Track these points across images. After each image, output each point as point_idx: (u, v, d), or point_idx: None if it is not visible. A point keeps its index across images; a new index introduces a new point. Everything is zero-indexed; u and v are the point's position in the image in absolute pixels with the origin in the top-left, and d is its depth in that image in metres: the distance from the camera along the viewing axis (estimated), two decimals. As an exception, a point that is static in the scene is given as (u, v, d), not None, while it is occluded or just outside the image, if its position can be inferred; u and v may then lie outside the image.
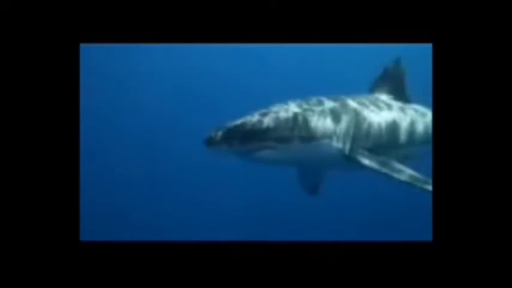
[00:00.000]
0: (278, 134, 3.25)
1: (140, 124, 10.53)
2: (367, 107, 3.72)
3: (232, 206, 8.48)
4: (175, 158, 9.67)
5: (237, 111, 3.37)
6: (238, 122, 3.27)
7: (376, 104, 3.83)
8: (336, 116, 3.46)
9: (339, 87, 4.16)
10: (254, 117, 3.29)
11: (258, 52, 10.16)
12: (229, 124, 3.25)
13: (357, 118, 3.56)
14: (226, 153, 3.25)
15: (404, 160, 3.53)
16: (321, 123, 3.38)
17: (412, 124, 3.88)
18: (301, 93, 3.67)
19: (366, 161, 3.41)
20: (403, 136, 3.79)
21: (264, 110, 3.38)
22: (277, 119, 3.29)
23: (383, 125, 3.69)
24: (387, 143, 3.67)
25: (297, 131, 3.29)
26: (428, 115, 4.05)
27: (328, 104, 3.55)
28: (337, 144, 3.40)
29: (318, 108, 3.45)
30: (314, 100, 3.56)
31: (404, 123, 3.83)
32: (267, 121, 3.27)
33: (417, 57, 4.81)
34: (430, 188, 2.97)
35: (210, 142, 3.21)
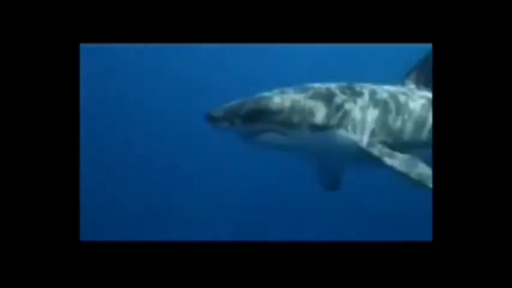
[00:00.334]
0: (286, 118, 2.97)
1: (140, 124, 10.54)
2: (394, 97, 3.33)
3: (235, 204, 8.46)
4: (175, 158, 9.68)
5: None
6: (246, 99, 3.01)
7: (407, 96, 3.41)
8: (356, 105, 3.14)
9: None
10: (264, 96, 3.03)
11: (256, 51, 10.14)
12: (236, 101, 3.01)
13: (381, 109, 3.21)
14: (227, 131, 3.00)
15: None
16: (337, 111, 3.07)
17: None
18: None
19: (387, 159, 3.05)
20: (430, 133, 3.29)
21: (278, 89, 3.11)
22: (287, 100, 3.00)
23: (410, 119, 3.29)
24: (413, 140, 3.27)
25: (309, 117, 3.00)
26: None
27: (348, 90, 3.21)
28: (353, 136, 3.09)
29: (334, 94, 3.13)
30: (334, 85, 3.24)
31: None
32: (276, 102, 2.99)
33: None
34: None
35: (210, 118, 2.97)
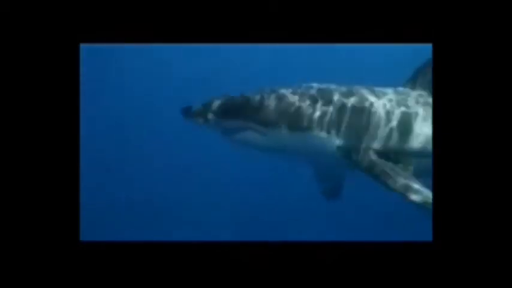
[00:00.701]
0: (263, 116, 2.87)
1: (140, 124, 10.53)
2: (386, 101, 3.12)
3: (236, 206, 8.46)
4: (175, 158, 9.67)
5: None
6: (226, 96, 2.96)
7: (402, 99, 3.19)
8: (340, 107, 2.98)
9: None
10: (243, 94, 2.96)
11: (257, 50, 10.14)
12: (216, 97, 2.96)
13: (368, 113, 3.03)
14: (203, 127, 2.94)
15: (423, 174, 2.89)
16: (320, 112, 2.93)
17: None
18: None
19: (368, 167, 2.90)
20: (424, 143, 3.07)
21: (260, 89, 3.02)
22: (266, 99, 2.93)
23: (402, 125, 3.07)
24: (404, 148, 3.06)
25: (288, 116, 2.89)
26: None
27: (333, 91, 3.05)
28: (334, 139, 2.95)
29: (319, 95, 2.99)
30: (320, 86, 3.11)
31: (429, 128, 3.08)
32: (253, 100, 2.92)
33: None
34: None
35: (186, 113, 2.95)
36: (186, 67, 11.57)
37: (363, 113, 3.03)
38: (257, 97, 2.94)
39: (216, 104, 2.94)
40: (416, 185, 2.77)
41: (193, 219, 7.91)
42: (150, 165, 9.63)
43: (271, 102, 2.93)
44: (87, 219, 3.77)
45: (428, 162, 2.89)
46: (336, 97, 3.04)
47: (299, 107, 2.93)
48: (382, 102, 3.11)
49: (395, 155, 3.04)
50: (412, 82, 3.46)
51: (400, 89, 3.41)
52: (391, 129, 3.05)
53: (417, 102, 3.24)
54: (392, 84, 3.49)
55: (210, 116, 2.91)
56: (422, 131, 3.10)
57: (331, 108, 2.98)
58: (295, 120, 2.91)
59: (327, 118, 2.96)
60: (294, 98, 2.98)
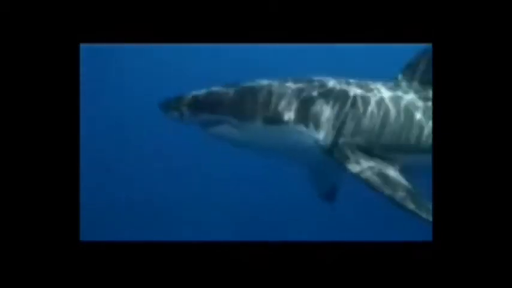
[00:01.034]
0: (237, 109, 2.78)
1: (140, 124, 10.52)
2: (372, 93, 2.98)
3: (236, 206, 8.46)
4: (175, 158, 9.66)
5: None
6: (202, 90, 2.89)
7: (387, 92, 3.03)
8: (321, 98, 2.84)
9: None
10: (218, 87, 2.89)
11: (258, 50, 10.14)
12: (193, 91, 2.90)
13: (352, 104, 2.88)
14: (178, 121, 2.90)
15: (410, 171, 2.81)
16: (296, 105, 2.79)
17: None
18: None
19: (349, 164, 2.73)
20: (415, 137, 2.97)
21: (236, 82, 2.95)
22: (241, 91, 2.84)
23: (390, 118, 2.93)
24: (393, 145, 2.93)
25: (262, 109, 2.78)
26: None
27: (315, 82, 2.93)
28: (313, 133, 2.80)
29: (296, 86, 2.86)
30: (302, 78, 2.97)
31: (420, 122, 2.97)
32: (227, 93, 2.84)
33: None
34: (430, 218, 2.45)
35: (163, 107, 2.91)
36: (186, 67, 11.56)
37: (344, 106, 2.88)
38: (232, 90, 2.87)
39: (191, 97, 2.89)
40: (404, 182, 2.68)
41: (193, 219, 7.91)
42: (150, 165, 9.63)
43: (245, 94, 2.84)
44: (87, 219, 3.77)
45: (415, 157, 2.95)
46: (315, 89, 2.91)
47: (275, 99, 2.80)
48: (366, 95, 2.98)
49: (380, 150, 2.91)
50: (401, 76, 3.33)
51: (386, 82, 3.30)
52: (374, 123, 2.91)
53: (404, 96, 3.12)
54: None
55: (185, 109, 2.87)
56: (408, 125, 2.98)
57: (310, 101, 2.85)
58: (270, 113, 2.78)
59: (306, 111, 2.81)
60: (269, 90, 2.86)
